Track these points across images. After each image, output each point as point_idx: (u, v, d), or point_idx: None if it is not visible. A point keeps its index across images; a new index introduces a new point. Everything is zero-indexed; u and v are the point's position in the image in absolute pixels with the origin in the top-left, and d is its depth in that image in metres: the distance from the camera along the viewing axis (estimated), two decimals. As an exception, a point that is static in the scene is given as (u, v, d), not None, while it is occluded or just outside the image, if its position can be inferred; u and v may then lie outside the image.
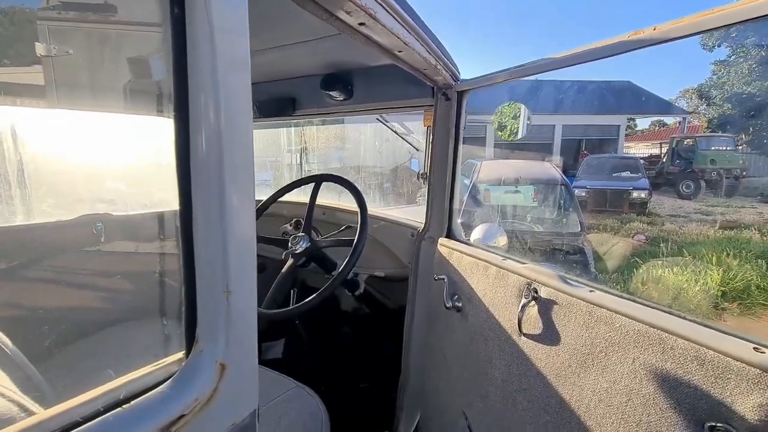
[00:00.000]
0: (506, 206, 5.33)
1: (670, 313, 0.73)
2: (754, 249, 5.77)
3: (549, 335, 0.90)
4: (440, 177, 1.40)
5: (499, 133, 1.42)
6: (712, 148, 11.20)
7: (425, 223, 1.45)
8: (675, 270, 4.89)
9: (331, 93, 1.57)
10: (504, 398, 1.03)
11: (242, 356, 0.52)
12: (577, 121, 15.11)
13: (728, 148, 11.30)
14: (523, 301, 0.96)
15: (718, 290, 4.56)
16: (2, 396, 0.55)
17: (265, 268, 1.69)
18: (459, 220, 1.43)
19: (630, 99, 16.32)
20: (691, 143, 11.72)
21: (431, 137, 1.42)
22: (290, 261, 1.45)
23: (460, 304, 1.22)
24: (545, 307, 0.91)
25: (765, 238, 6.57)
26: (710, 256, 5.33)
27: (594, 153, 13.10)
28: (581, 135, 15.46)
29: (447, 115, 1.36)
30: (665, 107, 17.13)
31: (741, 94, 13.80)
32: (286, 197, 1.80)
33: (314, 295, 1.27)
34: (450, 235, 1.40)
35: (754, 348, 0.59)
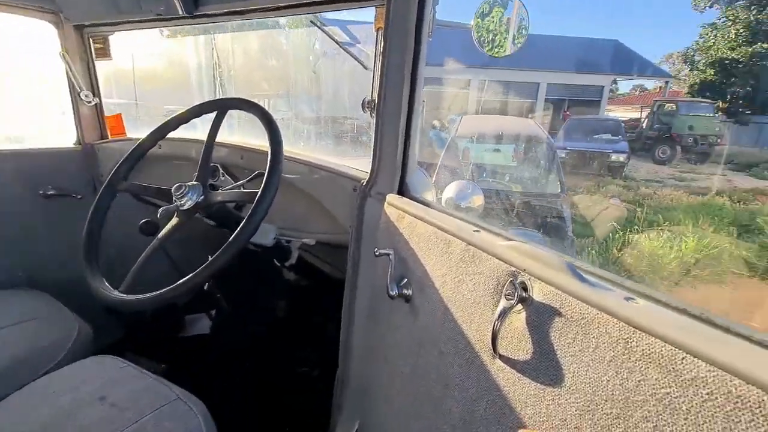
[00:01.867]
0: (486, 165, 4.94)
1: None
2: (726, 216, 5.76)
3: (544, 366, 0.52)
4: (393, 107, 0.96)
5: (483, 46, 0.96)
6: (692, 113, 11.21)
7: (371, 172, 1.02)
8: (651, 236, 4.74)
9: None
10: None
11: None
12: (561, 80, 14.58)
13: (708, 115, 11.33)
14: (503, 303, 0.57)
15: (692, 257, 4.45)
16: None
17: (158, 228, 1.20)
18: (418, 170, 1.01)
19: (616, 59, 15.81)
20: (673, 108, 11.67)
21: (381, 47, 0.96)
22: (174, 221, 1.00)
23: (410, 292, 0.84)
24: (540, 316, 0.53)
25: (735, 206, 6.60)
26: (686, 222, 5.22)
27: (577, 114, 12.80)
28: (564, 95, 14.99)
29: (407, 11, 0.90)
30: (650, 70, 16.72)
31: (724, 59, 13.60)
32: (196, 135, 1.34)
33: (189, 276, 0.85)
34: (403, 190, 0.98)
35: None
